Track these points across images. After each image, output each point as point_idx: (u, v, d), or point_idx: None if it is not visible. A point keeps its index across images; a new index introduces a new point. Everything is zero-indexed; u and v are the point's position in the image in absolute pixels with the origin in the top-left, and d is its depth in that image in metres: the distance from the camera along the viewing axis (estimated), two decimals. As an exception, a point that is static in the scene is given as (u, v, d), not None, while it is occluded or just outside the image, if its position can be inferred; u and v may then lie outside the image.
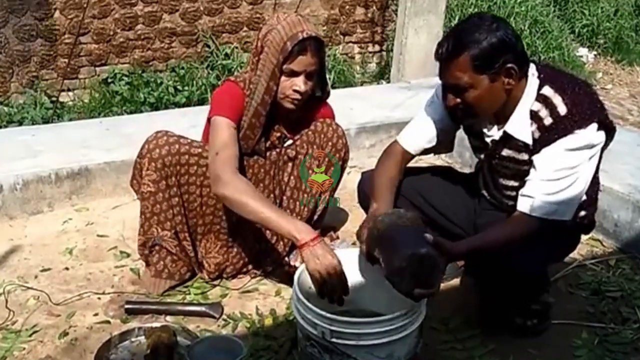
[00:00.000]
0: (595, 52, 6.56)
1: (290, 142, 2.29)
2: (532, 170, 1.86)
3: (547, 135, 1.81)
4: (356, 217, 2.74)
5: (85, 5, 4.56)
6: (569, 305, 2.21)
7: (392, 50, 5.13)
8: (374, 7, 5.67)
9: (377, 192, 2.00)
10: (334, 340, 1.64)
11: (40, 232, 2.68)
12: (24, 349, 1.96)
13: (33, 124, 4.08)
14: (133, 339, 1.96)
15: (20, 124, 4.16)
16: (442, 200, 2.20)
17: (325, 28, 5.41)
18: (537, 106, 1.84)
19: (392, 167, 2.09)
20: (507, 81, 1.81)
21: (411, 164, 2.19)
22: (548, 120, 1.82)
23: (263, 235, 2.30)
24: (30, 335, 2.02)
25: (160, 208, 2.16)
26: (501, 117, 1.91)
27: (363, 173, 2.29)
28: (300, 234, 1.82)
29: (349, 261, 1.92)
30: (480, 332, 2.03)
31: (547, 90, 1.84)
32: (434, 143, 2.10)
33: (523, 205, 1.84)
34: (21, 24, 4.48)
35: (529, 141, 1.86)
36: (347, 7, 5.55)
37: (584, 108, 1.80)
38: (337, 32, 5.56)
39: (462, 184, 2.24)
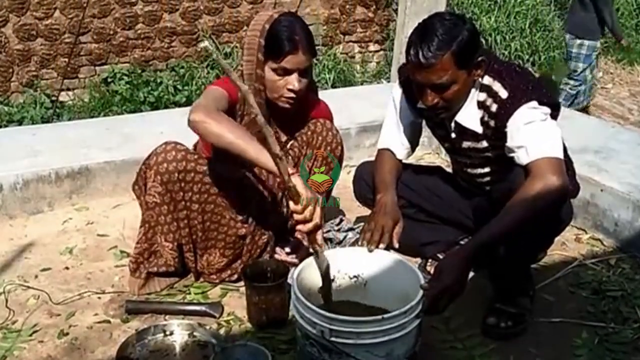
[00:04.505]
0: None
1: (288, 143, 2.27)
2: (508, 142, 1.94)
3: (502, 116, 1.94)
4: (356, 217, 2.74)
5: (85, 5, 4.57)
6: (569, 304, 2.21)
7: (392, 49, 5.13)
8: (374, 7, 5.67)
9: (381, 185, 2.17)
10: (333, 339, 1.64)
11: (41, 232, 2.67)
12: (24, 348, 1.96)
13: (33, 123, 4.09)
14: (150, 338, 1.95)
15: (20, 123, 4.17)
16: (438, 191, 2.38)
17: (325, 28, 5.41)
18: (482, 96, 1.99)
19: (390, 166, 2.25)
20: (478, 73, 1.96)
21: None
22: (494, 107, 1.96)
23: (271, 247, 2.29)
24: (30, 335, 2.01)
25: (165, 220, 2.12)
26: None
27: (359, 165, 2.44)
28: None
29: (358, 257, 1.98)
30: (480, 331, 2.03)
31: (487, 80, 1.98)
32: (415, 143, 2.32)
33: (521, 157, 1.90)
34: (21, 23, 4.48)
35: (478, 129, 2.02)
36: (347, 6, 5.56)
37: (523, 88, 1.93)
38: (337, 31, 5.56)
39: (451, 180, 2.43)
